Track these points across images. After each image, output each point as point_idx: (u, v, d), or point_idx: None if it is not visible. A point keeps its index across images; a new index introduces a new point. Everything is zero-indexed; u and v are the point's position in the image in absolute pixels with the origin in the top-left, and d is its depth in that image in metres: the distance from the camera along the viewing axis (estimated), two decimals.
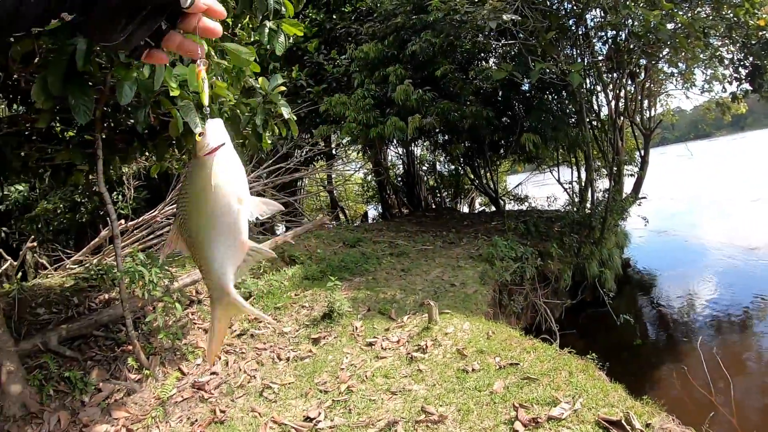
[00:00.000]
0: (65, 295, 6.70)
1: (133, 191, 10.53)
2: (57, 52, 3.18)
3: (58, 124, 5.93)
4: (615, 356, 7.07)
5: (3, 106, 7.30)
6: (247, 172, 10.51)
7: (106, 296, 6.68)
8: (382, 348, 5.12)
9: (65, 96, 3.39)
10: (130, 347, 5.51)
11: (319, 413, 4.10)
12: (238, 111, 4.55)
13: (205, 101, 1.11)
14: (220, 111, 4.22)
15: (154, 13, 0.86)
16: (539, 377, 4.04)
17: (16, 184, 10.37)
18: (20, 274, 9.05)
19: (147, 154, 6.07)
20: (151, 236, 8.88)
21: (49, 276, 8.04)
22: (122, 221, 9.26)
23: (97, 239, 8.88)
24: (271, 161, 10.93)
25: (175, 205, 8.87)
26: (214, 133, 1.14)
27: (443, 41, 9.95)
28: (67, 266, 8.46)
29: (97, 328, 5.88)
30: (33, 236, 9.90)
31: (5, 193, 10.56)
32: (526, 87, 11.50)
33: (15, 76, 5.10)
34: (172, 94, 3.74)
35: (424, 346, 4.91)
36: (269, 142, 5.00)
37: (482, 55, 11.82)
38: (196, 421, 4.34)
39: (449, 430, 3.62)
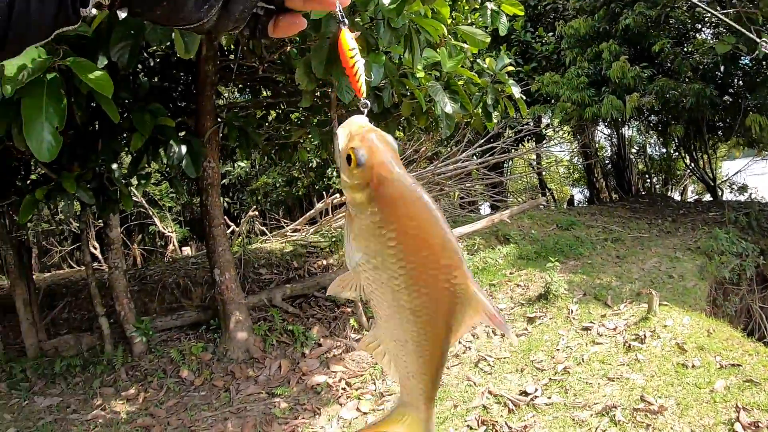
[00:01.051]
0: (285, 258, 7.37)
1: None
2: (319, 39, 3.43)
3: (283, 106, 6.55)
4: None
5: (235, 93, 8.13)
6: (460, 151, 10.67)
7: (324, 262, 7.23)
8: (599, 334, 4.95)
9: (326, 79, 3.69)
10: (349, 309, 5.91)
11: (536, 389, 4.08)
12: (468, 89, 4.61)
13: (362, 85, 0.75)
14: (447, 85, 4.28)
15: None
16: (762, 382, 3.79)
17: (241, 161, 11.60)
18: (240, 239, 10.22)
19: None
20: None
21: (268, 242, 8.91)
22: (338, 194, 9.99)
23: (312, 211, 9.65)
24: (482, 140, 10.93)
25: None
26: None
27: (658, 12, 9.14)
28: (285, 233, 9.32)
29: (318, 290, 6.40)
30: (254, 206, 11.09)
31: (228, 169, 11.89)
32: (746, 61, 10.08)
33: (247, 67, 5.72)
34: (417, 75, 3.89)
35: (642, 336, 4.68)
36: (494, 121, 5.02)
37: (698, 26, 10.63)
38: None
39: (668, 422, 3.49)
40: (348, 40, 0.72)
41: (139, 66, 4.85)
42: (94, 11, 0.55)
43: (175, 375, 5.17)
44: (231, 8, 0.59)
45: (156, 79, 5.49)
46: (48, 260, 10.73)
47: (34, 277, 6.57)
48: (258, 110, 7.00)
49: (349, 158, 0.67)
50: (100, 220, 6.73)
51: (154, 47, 4.76)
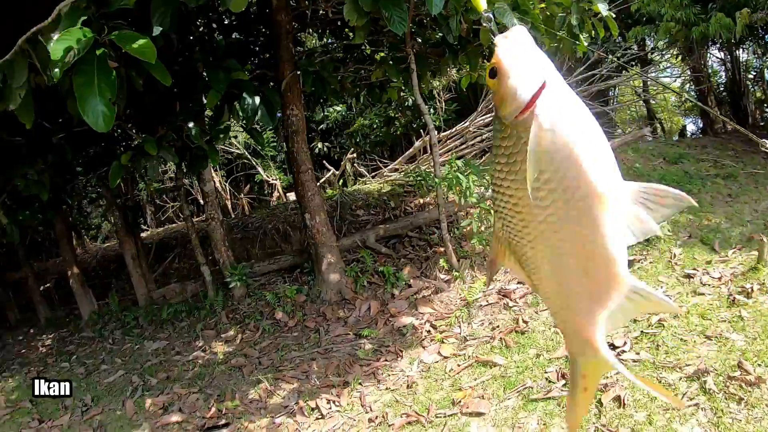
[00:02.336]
0: (383, 199, 7.43)
1: (444, 104, 10.92)
2: None
3: (367, 47, 6.42)
4: None
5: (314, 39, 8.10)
6: None
7: (421, 201, 7.20)
8: (701, 283, 4.48)
9: (377, 12, 3.54)
10: (442, 249, 5.86)
11: (625, 343, 3.78)
12: (550, 11, 4.25)
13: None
14: (515, 5, 3.95)
15: None
16: None
17: (336, 105, 11.67)
18: (341, 181, 10.44)
19: (458, 65, 6.15)
20: (463, 146, 9.17)
21: (366, 183, 9.02)
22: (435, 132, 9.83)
23: (411, 149, 9.60)
24: (582, 68, 10.17)
25: (487, 117, 8.96)
26: (522, 57, 0.72)
27: None
28: (384, 174, 9.38)
29: (412, 230, 6.41)
30: (352, 149, 11.22)
31: (325, 113, 12.01)
32: None
33: (321, 11, 5.62)
34: None
35: (749, 290, 4.10)
36: (585, 44, 4.60)
37: None
38: (498, 327, 4.40)
39: (763, 397, 2.94)
40: None
41: (214, 24, 4.96)
42: None
43: (271, 317, 5.51)
44: None
45: (235, 36, 5.61)
46: (162, 216, 11.72)
47: (143, 234, 7.18)
48: (336, 53, 6.96)
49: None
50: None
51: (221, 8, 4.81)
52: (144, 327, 6.21)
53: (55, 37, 2.47)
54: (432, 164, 5.99)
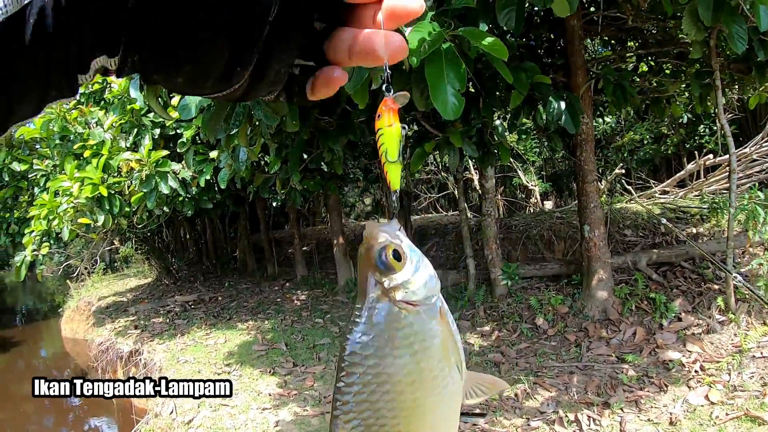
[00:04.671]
0: (652, 222, 6.93)
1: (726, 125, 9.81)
2: None
3: (667, 62, 6.00)
4: None
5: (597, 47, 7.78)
6: None
7: (694, 230, 6.59)
8: None
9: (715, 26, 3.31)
10: (717, 286, 5.31)
11: None
12: None
13: (391, 174, 0.60)
14: None
15: (290, 17, 0.46)
16: None
17: (606, 116, 11.15)
18: (606, 197, 9.95)
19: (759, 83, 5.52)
20: (740, 175, 8.15)
21: (632, 202, 8.48)
22: (710, 155, 8.87)
23: (682, 172, 8.80)
24: None
25: None
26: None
27: None
28: (653, 195, 8.73)
29: (686, 260, 5.91)
30: (620, 164, 10.62)
31: (593, 124, 11.51)
32: None
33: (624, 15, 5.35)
34: None
35: None
36: None
37: None
38: None
39: None
40: (379, 116, 0.58)
41: (504, 28, 5.06)
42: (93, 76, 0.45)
43: (530, 321, 5.50)
44: (265, 71, 0.48)
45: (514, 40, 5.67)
46: (417, 205, 12.44)
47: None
48: (624, 63, 6.64)
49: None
50: (466, 172, 7.46)
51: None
52: None
53: (409, 30, 2.75)
54: (726, 191, 5.40)
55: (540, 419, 3.90)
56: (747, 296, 5.07)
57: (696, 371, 4.33)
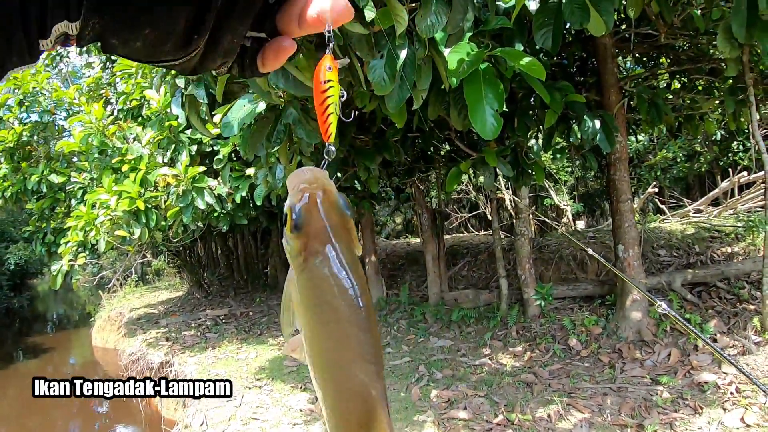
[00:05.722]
0: (686, 241, 6.85)
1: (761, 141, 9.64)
2: (736, 2, 3.11)
3: (700, 78, 5.95)
4: None
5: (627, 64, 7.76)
6: None
7: (729, 249, 6.49)
8: None
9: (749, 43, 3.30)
10: (753, 307, 5.23)
11: None
12: None
13: (331, 126, 0.62)
14: None
15: None
16: None
17: (639, 134, 11.04)
18: (640, 216, 9.81)
19: None
20: None
21: (666, 221, 8.37)
22: (744, 173, 8.74)
23: (716, 190, 8.69)
24: None
25: None
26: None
27: None
28: (687, 214, 8.61)
29: (720, 280, 5.83)
30: (654, 183, 10.50)
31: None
32: None
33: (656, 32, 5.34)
34: None
35: None
36: None
37: None
38: None
39: None
40: (325, 69, 0.60)
41: (537, 47, 5.09)
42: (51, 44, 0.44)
43: (563, 342, 5.46)
44: (219, 39, 0.49)
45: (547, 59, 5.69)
46: (448, 225, 12.43)
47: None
48: (657, 80, 6.60)
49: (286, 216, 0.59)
50: (498, 191, 7.47)
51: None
52: (430, 323, 6.66)
53: (447, 50, 2.80)
54: (762, 209, 5.32)
55: None
56: None
57: (731, 393, 4.25)
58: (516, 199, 5.83)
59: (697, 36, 5.09)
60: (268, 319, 8.83)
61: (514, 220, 5.96)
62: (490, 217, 7.76)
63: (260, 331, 8.13)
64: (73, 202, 8.12)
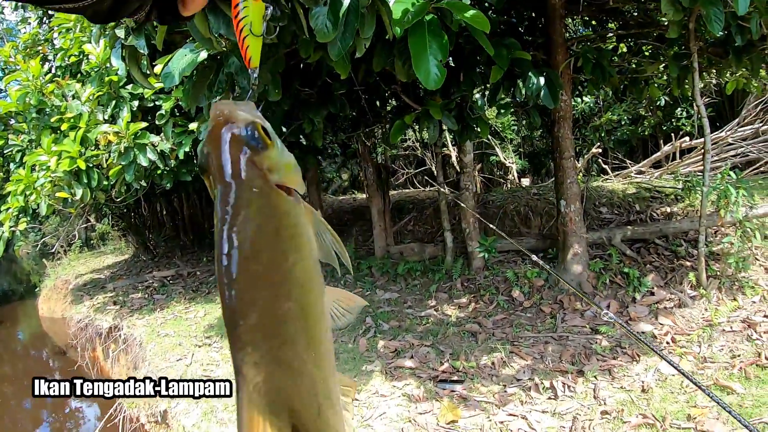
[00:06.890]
0: (627, 200, 7.09)
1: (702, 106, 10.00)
2: None
3: (647, 44, 6.09)
4: None
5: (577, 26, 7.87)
6: None
7: (668, 209, 6.75)
8: None
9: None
10: (689, 263, 5.48)
11: None
12: None
13: (249, 49, 0.61)
14: None
15: None
16: None
17: (585, 96, 11.26)
18: (582, 175, 10.09)
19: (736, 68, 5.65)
20: (716, 157, 8.36)
21: (608, 181, 8.64)
22: (686, 138, 9.07)
23: (659, 153, 9.01)
24: None
25: (747, 129, 8.02)
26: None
27: None
28: (629, 175, 8.90)
29: (659, 237, 6.08)
30: (597, 143, 10.77)
31: (573, 103, 11.62)
32: None
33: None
34: None
35: None
36: None
37: None
38: (739, 356, 4.07)
39: None
40: None
41: (486, 3, 5.09)
42: None
43: (507, 294, 5.63)
44: None
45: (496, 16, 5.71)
46: (395, 181, 12.54)
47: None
48: (604, 43, 6.72)
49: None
50: (444, 148, 7.52)
51: None
52: (377, 277, 6.78)
53: (392, 1, 2.77)
54: (700, 173, 5.55)
55: (516, 386, 4.01)
56: (718, 273, 5.25)
57: (667, 343, 4.47)
58: (461, 154, 5.90)
59: (646, 2, 5.19)
60: (215, 278, 8.74)
61: (460, 176, 6.04)
62: (435, 173, 7.86)
63: (208, 290, 8.08)
64: (12, 166, 7.79)
